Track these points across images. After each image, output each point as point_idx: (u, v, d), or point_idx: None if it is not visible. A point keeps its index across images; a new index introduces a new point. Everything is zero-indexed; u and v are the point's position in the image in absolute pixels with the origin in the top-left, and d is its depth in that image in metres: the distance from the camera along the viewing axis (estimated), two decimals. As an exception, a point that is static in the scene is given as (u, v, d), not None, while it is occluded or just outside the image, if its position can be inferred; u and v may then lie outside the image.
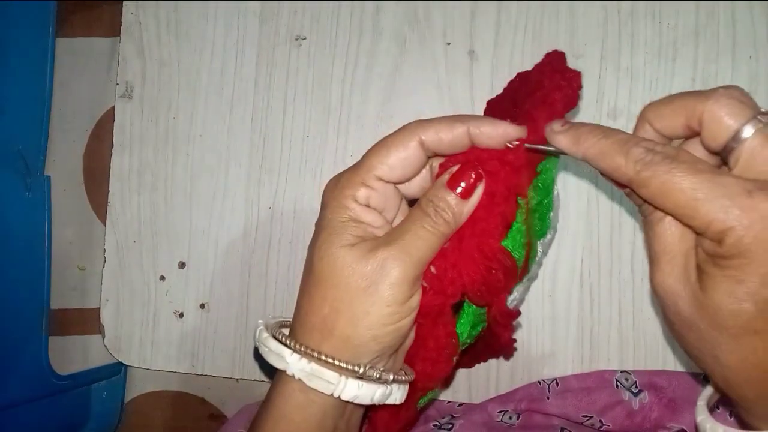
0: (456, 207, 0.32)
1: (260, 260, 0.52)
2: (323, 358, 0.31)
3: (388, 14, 0.51)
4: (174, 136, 0.53)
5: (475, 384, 0.48)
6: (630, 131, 0.49)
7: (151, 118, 0.53)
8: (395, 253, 0.31)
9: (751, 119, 0.27)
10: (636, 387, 0.45)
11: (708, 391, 0.33)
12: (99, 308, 0.53)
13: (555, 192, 0.39)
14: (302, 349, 0.31)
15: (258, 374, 0.51)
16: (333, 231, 0.32)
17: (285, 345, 0.32)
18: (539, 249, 0.40)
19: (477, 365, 0.48)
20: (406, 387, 0.34)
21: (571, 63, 0.49)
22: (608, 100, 0.48)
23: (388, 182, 0.33)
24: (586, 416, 0.44)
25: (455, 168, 0.32)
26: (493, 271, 0.32)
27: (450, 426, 0.45)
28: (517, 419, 0.46)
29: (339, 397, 0.31)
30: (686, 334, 0.29)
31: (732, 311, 0.27)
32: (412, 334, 0.34)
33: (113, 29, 0.53)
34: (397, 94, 0.51)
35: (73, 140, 0.59)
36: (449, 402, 0.48)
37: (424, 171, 0.34)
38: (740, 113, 0.27)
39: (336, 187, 0.33)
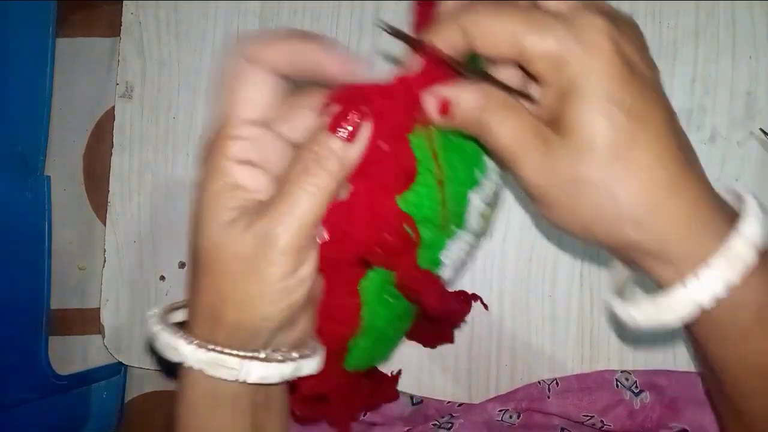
0: (341, 153, 0.28)
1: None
2: (218, 349, 0.29)
3: (388, 14, 0.51)
4: (174, 136, 0.53)
5: (475, 384, 0.48)
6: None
7: (151, 118, 0.53)
8: (273, 226, 0.28)
9: None
10: (636, 387, 0.45)
11: (616, 269, 0.32)
12: (99, 308, 0.53)
13: None
14: (195, 340, 0.29)
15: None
16: (208, 206, 0.29)
17: (179, 336, 0.30)
18: (475, 199, 0.35)
19: (477, 365, 0.48)
20: (320, 356, 0.32)
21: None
22: (608, 100, 0.48)
23: (259, 123, 0.29)
24: (587, 416, 0.44)
25: (335, 108, 0.29)
26: (388, 235, 0.30)
27: (449, 425, 0.45)
28: (518, 418, 0.46)
29: (245, 381, 0.29)
30: (571, 212, 0.28)
31: (596, 133, 0.26)
32: (321, 287, 0.32)
33: (113, 29, 0.53)
34: (397, 94, 0.51)
35: (73, 140, 0.59)
36: (449, 402, 0.48)
37: (308, 113, 0.30)
38: None
39: (206, 148, 0.29)
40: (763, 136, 0.46)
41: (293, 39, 0.29)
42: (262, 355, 0.30)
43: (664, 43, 0.48)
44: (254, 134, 0.29)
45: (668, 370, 0.45)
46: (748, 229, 0.27)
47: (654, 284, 0.30)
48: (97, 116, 0.59)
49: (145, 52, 0.53)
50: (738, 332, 0.28)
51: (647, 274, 0.29)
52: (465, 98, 0.29)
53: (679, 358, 0.46)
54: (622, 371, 0.46)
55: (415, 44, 0.29)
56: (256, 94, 0.29)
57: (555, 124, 0.27)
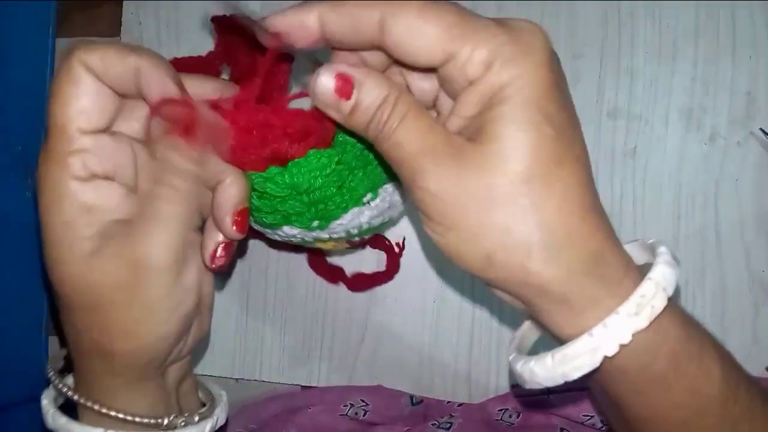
0: (182, 161, 0.26)
1: (260, 260, 0.51)
2: (125, 416, 0.28)
3: (388, 14, 0.51)
4: (174, 136, 0.53)
5: (475, 384, 0.48)
6: (631, 133, 0.49)
7: (151, 118, 0.53)
8: (143, 248, 0.26)
9: None
10: (636, 387, 0.45)
11: (524, 327, 0.31)
12: (99, 308, 0.53)
13: None
14: (97, 407, 0.28)
15: (258, 374, 0.51)
16: (60, 241, 0.26)
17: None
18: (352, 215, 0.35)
19: (477, 365, 0.48)
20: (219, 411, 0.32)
21: (571, 63, 0.49)
22: (608, 100, 0.48)
23: (96, 132, 0.26)
24: (587, 416, 0.44)
25: (164, 114, 0.26)
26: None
27: (449, 425, 0.45)
28: (517, 418, 0.46)
29: None
30: (474, 236, 0.24)
31: (522, 144, 0.23)
32: (209, 286, 0.30)
33: (113, 29, 0.53)
34: (397, 94, 0.51)
35: (73, 140, 0.59)
36: (449, 402, 0.48)
37: (143, 106, 0.27)
38: None
39: (40, 175, 0.26)
40: (763, 136, 0.46)
41: (128, 54, 0.26)
42: (165, 422, 0.29)
43: (664, 43, 0.48)
44: (93, 144, 0.26)
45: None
46: (659, 275, 0.25)
47: (553, 340, 0.28)
48: (97, 116, 0.59)
49: (145, 52, 0.53)
50: (655, 384, 0.26)
51: (546, 325, 0.26)
52: (369, 86, 0.24)
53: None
54: (621, 371, 0.46)
55: (266, 35, 0.25)
56: (90, 102, 0.26)
57: (472, 132, 0.25)
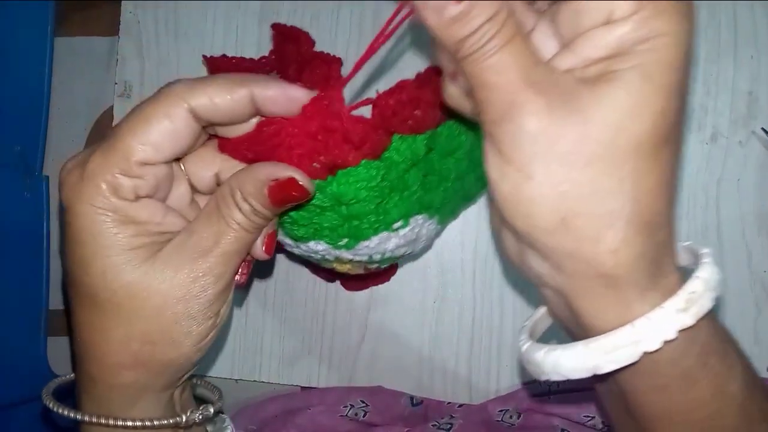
0: (271, 213, 0.29)
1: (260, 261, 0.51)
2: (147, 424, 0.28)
3: (388, 14, 0.51)
4: (173, 136, 0.53)
5: (475, 384, 0.48)
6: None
7: (150, 117, 0.53)
8: (210, 267, 0.27)
9: None
10: (637, 387, 0.45)
11: (537, 314, 0.30)
12: (98, 308, 0.53)
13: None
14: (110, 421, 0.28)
15: (258, 374, 0.51)
16: (110, 249, 0.26)
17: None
18: (379, 239, 0.35)
19: (478, 365, 0.48)
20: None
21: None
22: (609, 99, 0.48)
23: (156, 164, 0.27)
24: (588, 416, 0.44)
25: (277, 172, 0.27)
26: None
27: (449, 426, 0.45)
28: (518, 419, 0.46)
29: None
30: (558, 193, 0.22)
31: (653, 106, 0.21)
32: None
33: (112, 29, 0.53)
34: (397, 94, 0.50)
35: (72, 140, 0.58)
36: (449, 403, 0.48)
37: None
38: None
39: (83, 182, 0.26)
40: (764, 135, 0.46)
41: (234, 84, 0.26)
42: (183, 420, 0.30)
43: (665, 43, 0.47)
44: (148, 173, 0.26)
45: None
46: (708, 274, 0.24)
47: (565, 331, 0.27)
48: (96, 116, 0.58)
49: (144, 52, 0.53)
50: (681, 380, 0.24)
51: (578, 311, 0.24)
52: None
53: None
54: (622, 372, 0.45)
55: None
56: (167, 139, 0.26)
57: (590, 75, 0.22)
